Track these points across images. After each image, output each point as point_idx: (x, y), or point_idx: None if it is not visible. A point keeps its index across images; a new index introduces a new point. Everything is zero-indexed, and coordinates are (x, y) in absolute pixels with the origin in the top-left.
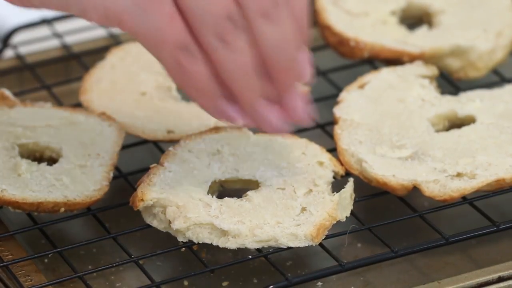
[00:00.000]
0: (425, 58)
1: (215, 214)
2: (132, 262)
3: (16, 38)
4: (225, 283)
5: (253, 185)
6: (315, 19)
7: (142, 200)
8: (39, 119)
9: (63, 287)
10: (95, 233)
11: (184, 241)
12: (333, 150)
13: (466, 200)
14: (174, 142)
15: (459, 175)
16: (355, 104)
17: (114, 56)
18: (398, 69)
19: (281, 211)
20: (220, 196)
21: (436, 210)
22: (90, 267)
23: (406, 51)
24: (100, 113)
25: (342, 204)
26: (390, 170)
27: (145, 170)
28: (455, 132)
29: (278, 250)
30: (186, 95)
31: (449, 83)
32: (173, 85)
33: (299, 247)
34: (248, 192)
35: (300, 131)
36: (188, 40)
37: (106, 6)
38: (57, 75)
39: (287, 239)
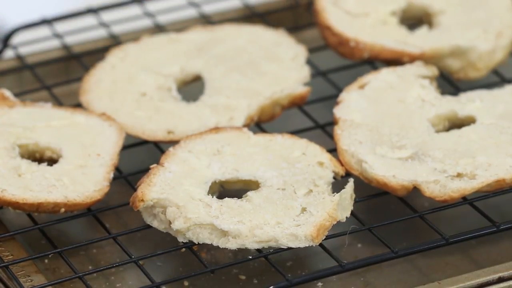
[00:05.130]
0: (425, 59)
1: (215, 215)
2: (132, 262)
3: (16, 39)
4: (225, 284)
5: (253, 185)
6: (315, 20)
7: (142, 200)
8: (39, 120)
9: (63, 287)
10: (95, 233)
11: (184, 241)
12: (333, 151)
13: (466, 200)
14: (174, 142)
15: (459, 175)
16: (355, 105)
17: (114, 57)
18: (398, 70)
19: (281, 212)
20: (220, 196)
21: (436, 210)
22: (90, 267)
23: (406, 52)
24: (100, 114)
25: (342, 205)
26: (390, 170)
27: (145, 170)
28: (455, 132)
29: (278, 250)
30: (186, 95)
31: (449, 83)
32: (173, 86)
33: (299, 247)
34: (248, 193)
35: (300, 132)
36: None
37: None
38: (57, 76)
39: (287, 240)
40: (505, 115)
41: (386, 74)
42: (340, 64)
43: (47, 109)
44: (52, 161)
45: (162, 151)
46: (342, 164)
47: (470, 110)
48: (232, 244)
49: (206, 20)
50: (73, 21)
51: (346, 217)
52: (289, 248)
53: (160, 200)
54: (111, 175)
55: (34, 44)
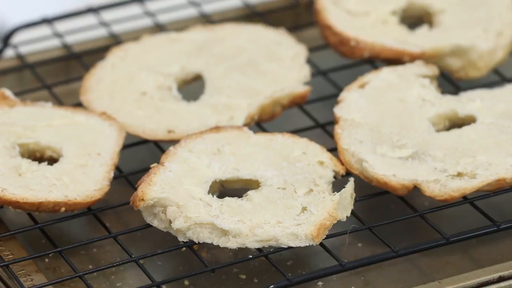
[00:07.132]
0: (426, 58)
1: (215, 214)
2: (132, 261)
3: (17, 38)
4: (226, 283)
5: (254, 184)
6: (316, 19)
7: (142, 199)
8: (40, 119)
9: (64, 287)
10: (96, 232)
11: (185, 240)
12: (333, 150)
13: (467, 199)
14: (174, 141)
15: (459, 174)
16: (356, 104)
17: (114, 56)
18: (399, 69)
19: (281, 211)
20: (221, 195)
21: (436, 209)
22: (90, 266)
23: (406, 51)
24: (101, 113)
25: (342, 204)
26: (391, 169)
27: (145, 170)
28: (455, 131)
29: (279, 249)
30: (186, 95)
31: (450, 82)
32: (174, 85)
33: (299, 246)
34: (249, 192)
35: (300, 131)
36: None
37: None
38: (58, 75)
39: (287, 239)
40: (506, 114)
41: (386, 73)
42: (341, 63)
43: (47, 109)
44: (52, 161)
45: (162, 150)
46: (342, 164)
47: (471, 109)
48: (232, 243)
49: (207, 19)
50: (74, 20)
51: (347, 217)
52: (290, 247)
53: (160, 200)
54: (112, 175)
55: (35, 44)
